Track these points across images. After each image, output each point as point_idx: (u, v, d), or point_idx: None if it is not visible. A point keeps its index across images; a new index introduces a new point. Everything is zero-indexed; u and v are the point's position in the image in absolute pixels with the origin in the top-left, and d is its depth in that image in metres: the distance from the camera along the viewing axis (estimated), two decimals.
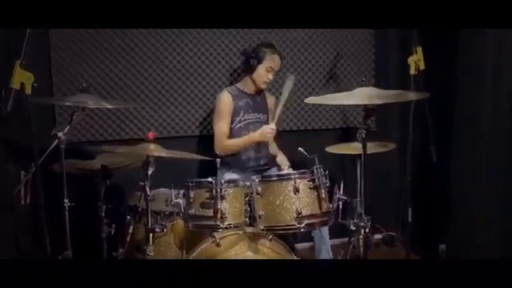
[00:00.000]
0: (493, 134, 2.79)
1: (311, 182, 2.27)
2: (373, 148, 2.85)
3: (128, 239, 2.56)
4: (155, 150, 2.29)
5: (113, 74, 3.20)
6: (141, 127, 3.30)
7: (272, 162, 3.21)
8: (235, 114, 3.08)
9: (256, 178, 2.33)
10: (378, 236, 3.82)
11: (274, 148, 3.26)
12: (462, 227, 3.05)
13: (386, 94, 2.31)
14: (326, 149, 2.91)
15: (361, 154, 2.84)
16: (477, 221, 2.94)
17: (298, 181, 2.25)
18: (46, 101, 2.35)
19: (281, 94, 3.03)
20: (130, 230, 2.57)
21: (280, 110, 2.95)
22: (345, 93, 2.38)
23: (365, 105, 2.27)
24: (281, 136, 3.25)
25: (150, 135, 2.34)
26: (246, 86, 3.14)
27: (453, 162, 3.04)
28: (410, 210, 2.75)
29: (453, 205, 3.10)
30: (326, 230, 2.92)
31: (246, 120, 3.11)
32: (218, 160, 2.33)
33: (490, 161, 2.83)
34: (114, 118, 3.23)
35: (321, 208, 2.28)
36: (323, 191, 2.26)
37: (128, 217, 2.62)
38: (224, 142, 3.03)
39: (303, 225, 2.24)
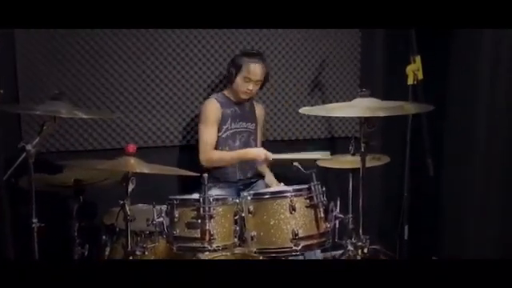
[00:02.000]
0: (489, 143, 2.69)
1: (308, 200, 2.10)
2: (367, 162, 2.71)
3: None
4: (136, 166, 2.07)
5: (86, 79, 2.95)
6: (114, 136, 3.04)
7: (258, 174, 3.04)
8: (222, 122, 2.89)
9: (248, 196, 2.14)
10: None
11: (262, 166, 3.07)
12: (455, 240, 2.95)
13: (389, 106, 2.15)
14: (318, 162, 2.76)
15: (353, 169, 2.75)
16: (471, 233, 2.84)
17: (294, 199, 2.07)
18: (12, 109, 2.09)
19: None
20: (107, 252, 2.33)
21: (287, 157, 2.69)
22: (343, 104, 2.21)
23: (366, 118, 2.10)
24: None
25: (130, 148, 2.11)
26: (232, 94, 2.95)
27: (448, 174, 2.93)
28: (406, 227, 2.61)
29: (446, 218, 3.00)
30: None
31: (233, 129, 2.92)
32: (205, 175, 2.12)
33: (486, 172, 2.73)
34: (86, 126, 2.96)
35: (318, 228, 2.11)
36: (321, 210, 2.09)
37: (104, 237, 2.38)
38: (211, 154, 2.83)
39: (300, 247, 2.07)
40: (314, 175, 2.10)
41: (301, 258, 2.80)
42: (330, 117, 3.57)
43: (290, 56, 3.45)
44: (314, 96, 3.54)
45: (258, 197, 2.14)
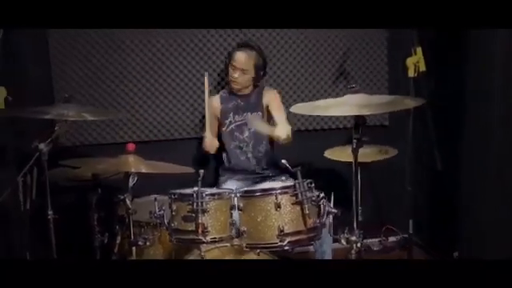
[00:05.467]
0: (503, 136, 2.56)
1: (294, 198, 2.13)
2: (373, 155, 2.70)
3: (115, 250, 2.53)
4: (134, 164, 2.22)
5: (103, 77, 3.19)
6: (135, 130, 3.26)
7: (276, 167, 3.08)
8: (223, 117, 3.01)
9: (238, 193, 2.23)
10: (392, 239, 3.69)
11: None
12: (472, 234, 2.87)
13: (377, 103, 2.13)
14: (325, 154, 2.78)
15: (361, 162, 2.73)
16: (488, 226, 2.76)
17: (279, 196, 2.12)
18: (23, 114, 2.31)
19: None
20: (118, 241, 2.53)
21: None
22: (332, 100, 2.21)
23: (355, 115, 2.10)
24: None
25: (130, 146, 2.28)
26: None
27: (460, 168, 2.82)
28: (410, 221, 2.57)
29: (462, 212, 2.91)
30: (328, 239, 2.77)
31: (236, 122, 3.02)
32: (202, 171, 2.23)
33: (500, 164, 2.61)
34: (107, 121, 3.19)
35: (305, 224, 2.15)
36: (306, 207, 2.12)
37: (117, 227, 2.58)
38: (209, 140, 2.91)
39: (285, 242, 2.12)
40: (299, 173, 2.13)
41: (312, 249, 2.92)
42: None
43: (314, 45, 3.45)
44: (339, 85, 3.52)
45: (246, 194, 2.21)
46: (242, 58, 2.93)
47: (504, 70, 2.49)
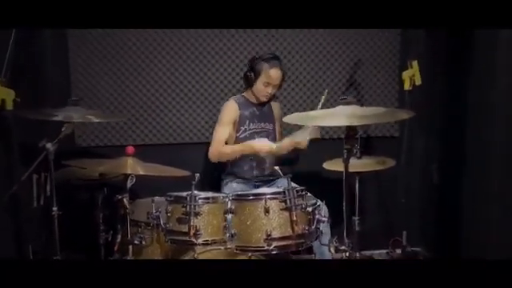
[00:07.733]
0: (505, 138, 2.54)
1: (283, 204, 2.19)
2: (371, 165, 2.73)
3: (116, 248, 2.63)
4: (131, 167, 2.32)
5: (113, 81, 3.31)
6: (148, 133, 3.37)
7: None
8: (240, 123, 3.04)
9: (230, 196, 2.30)
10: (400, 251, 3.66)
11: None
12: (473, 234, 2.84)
13: (369, 114, 2.16)
14: (324, 165, 2.82)
15: (358, 172, 2.76)
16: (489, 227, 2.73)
17: (268, 201, 2.19)
18: (31, 115, 2.45)
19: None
20: (118, 239, 2.63)
21: (288, 141, 2.88)
22: (324, 111, 2.26)
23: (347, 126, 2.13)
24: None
25: (129, 150, 2.38)
26: (251, 95, 3.09)
27: (462, 178, 2.81)
28: (404, 233, 2.58)
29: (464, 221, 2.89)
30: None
31: (251, 129, 3.06)
32: (197, 175, 2.31)
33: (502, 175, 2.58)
34: (122, 123, 3.31)
35: (293, 230, 2.20)
36: (294, 213, 2.17)
37: (119, 226, 2.68)
38: (219, 149, 2.98)
39: (272, 247, 2.18)
40: (288, 180, 2.20)
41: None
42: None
43: (324, 55, 3.49)
44: (350, 95, 3.53)
45: (238, 198, 2.28)
46: (277, 75, 2.94)
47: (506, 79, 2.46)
